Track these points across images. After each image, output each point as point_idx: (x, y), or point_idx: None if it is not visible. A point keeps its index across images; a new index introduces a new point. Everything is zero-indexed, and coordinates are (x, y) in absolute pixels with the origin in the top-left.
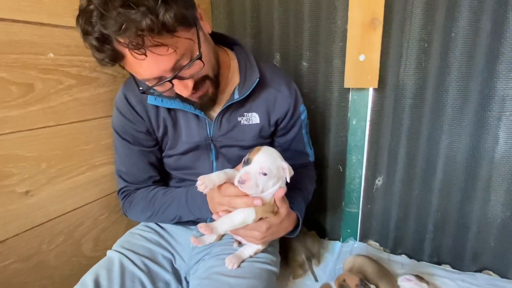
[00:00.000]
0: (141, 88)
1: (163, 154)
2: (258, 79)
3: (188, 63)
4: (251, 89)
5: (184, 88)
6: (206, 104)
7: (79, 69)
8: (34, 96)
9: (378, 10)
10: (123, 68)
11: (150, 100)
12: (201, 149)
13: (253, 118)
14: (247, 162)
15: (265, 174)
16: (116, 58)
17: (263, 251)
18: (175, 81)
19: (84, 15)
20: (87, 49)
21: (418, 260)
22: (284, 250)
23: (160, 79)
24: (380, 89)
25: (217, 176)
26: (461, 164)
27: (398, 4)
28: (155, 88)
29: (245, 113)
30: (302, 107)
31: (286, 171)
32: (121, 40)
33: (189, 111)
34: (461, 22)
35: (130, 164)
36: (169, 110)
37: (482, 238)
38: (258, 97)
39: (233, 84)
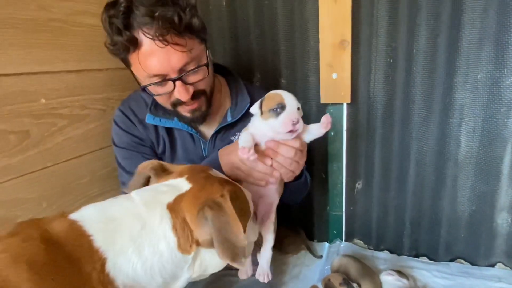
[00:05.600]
0: (142, 84)
1: None
2: (249, 104)
3: (196, 67)
4: (243, 112)
5: (185, 92)
6: (196, 120)
7: (70, 109)
8: (30, 141)
9: (346, 33)
10: (127, 65)
11: (149, 119)
12: None
13: None
14: (282, 108)
15: (298, 108)
16: (131, 46)
17: None
18: (177, 83)
19: (114, 5)
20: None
21: (399, 255)
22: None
23: (164, 78)
24: (354, 103)
25: (248, 142)
26: (430, 166)
27: (364, 26)
28: (154, 89)
29: (237, 133)
30: None
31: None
32: (147, 30)
33: (186, 130)
34: (421, 39)
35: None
36: (166, 129)
37: (453, 231)
38: (248, 119)
39: (224, 107)
